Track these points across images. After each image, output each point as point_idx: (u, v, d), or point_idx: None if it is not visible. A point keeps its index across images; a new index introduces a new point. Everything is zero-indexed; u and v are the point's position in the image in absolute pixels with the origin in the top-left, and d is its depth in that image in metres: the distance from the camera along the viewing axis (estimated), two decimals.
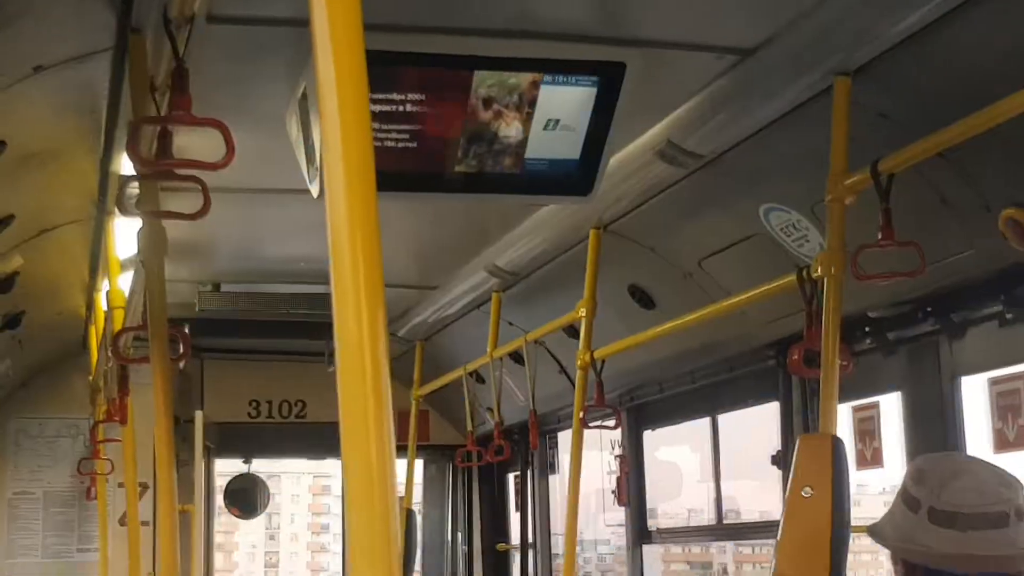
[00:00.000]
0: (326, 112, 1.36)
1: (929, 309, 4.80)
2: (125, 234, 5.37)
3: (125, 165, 4.62)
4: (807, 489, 3.82)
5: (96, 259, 6.08)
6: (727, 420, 7.01)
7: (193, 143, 3.60)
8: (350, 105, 1.36)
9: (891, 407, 5.27)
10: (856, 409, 5.45)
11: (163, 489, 3.53)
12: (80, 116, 4.55)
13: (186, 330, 3.77)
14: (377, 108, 3.87)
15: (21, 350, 8.26)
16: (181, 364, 3.80)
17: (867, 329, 5.09)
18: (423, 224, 6.34)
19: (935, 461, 3.39)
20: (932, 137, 3.68)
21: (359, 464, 1.30)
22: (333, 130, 1.35)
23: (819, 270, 4.09)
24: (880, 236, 3.88)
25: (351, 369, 1.31)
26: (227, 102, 4.21)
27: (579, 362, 5.99)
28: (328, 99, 1.36)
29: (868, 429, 5.40)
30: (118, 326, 5.35)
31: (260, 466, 10.48)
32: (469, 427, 7.84)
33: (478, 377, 7.98)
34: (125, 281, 5.67)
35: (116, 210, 5.20)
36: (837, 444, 3.87)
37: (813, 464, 3.86)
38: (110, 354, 5.66)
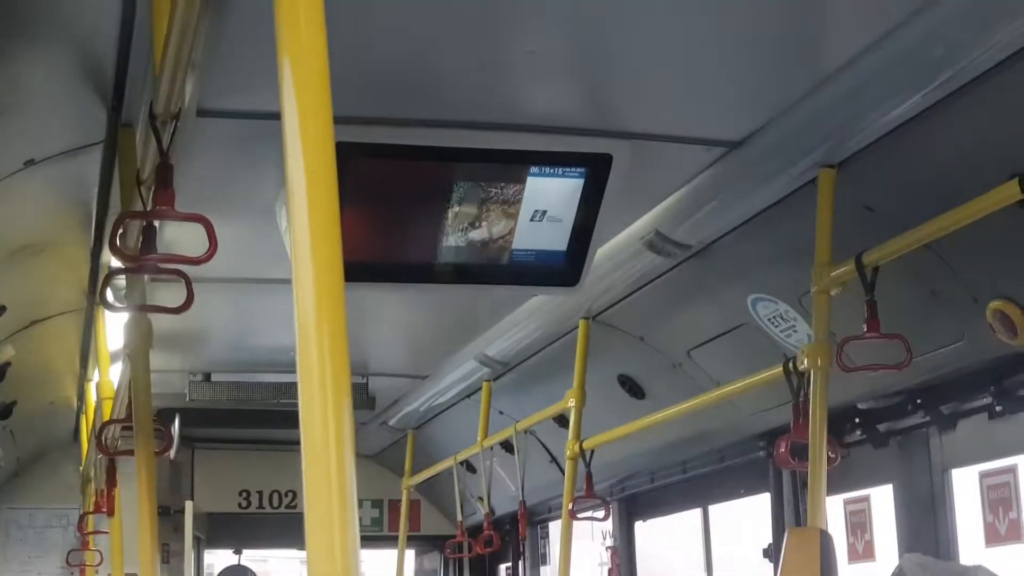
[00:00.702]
0: (295, 206, 1.35)
1: (919, 401, 4.78)
2: (115, 325, 5.36)
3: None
4: None
5: (87, 350, 6.06)
6: (721, 510, 6.96)
7: (181, 234, 3.61)
8: (319, 198, 1.35)
9: (884, 499, 5.23)
10: (848, 502, 5.41)
11: None
12: (71, 208, 4.56)
13: (176, 425, 3.76)
14: (362, 200, 3.89)
15: (12, 440, 8.21)
16: (171, 454, 3.78)
17: (857, 421, 5.07)
18: (414, 314, 6.34)
19: (916, 564, 3.37)
20: (915, 231, 3.67)
21: (323, 557, 1.29)
22: (302, 226, 1.34)
23: (805, 362, 4.08)
24: (865, 328, 3.86)
25: (316, 462, 1.31)
26: (216, 193, 4.23)
27: (568, 452, 5.94)
28: (297, 193, 1.35)
29: (860, 522, 5.35)
30: (107, 417, 5.32)
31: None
32: (459, 517, 7.78)
33: (469, 466, 7.93)
34: (116, 371, 5.64)
35: None
36: (825, 538, 3.82)
37: (801, 558, 3.82)
38: (95, 447, 5.62)
